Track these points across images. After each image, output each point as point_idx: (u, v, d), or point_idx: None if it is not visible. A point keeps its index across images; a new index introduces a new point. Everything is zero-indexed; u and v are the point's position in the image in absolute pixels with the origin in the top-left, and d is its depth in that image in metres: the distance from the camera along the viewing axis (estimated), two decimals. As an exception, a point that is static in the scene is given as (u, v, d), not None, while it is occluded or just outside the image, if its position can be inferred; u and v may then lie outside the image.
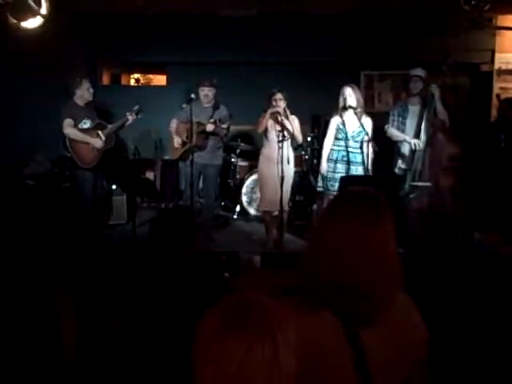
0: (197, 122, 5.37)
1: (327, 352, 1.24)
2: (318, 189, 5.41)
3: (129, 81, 9.49)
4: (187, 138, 5.47)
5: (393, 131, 5.35)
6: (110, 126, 5.48)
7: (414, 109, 5.30)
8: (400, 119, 5.33)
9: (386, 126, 5.41)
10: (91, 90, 5.47)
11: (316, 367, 1.23)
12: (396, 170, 5.35)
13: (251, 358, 0.95)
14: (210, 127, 5.36)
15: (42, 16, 4.45)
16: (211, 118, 5.41)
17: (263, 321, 0.99)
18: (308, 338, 1.21)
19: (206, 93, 5.45)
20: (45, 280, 1.61)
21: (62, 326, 1.58)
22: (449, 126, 5.03)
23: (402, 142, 5.29)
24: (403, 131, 5.29)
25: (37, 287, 1.56)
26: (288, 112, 5.12)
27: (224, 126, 5.46)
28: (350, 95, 4.93)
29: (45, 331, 1.53)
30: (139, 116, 5.53)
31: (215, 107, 5.48)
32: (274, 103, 5.09)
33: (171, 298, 1.83)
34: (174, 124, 5.63)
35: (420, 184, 4.96)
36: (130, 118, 5.47)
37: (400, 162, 5.32)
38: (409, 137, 5.22)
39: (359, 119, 4.90)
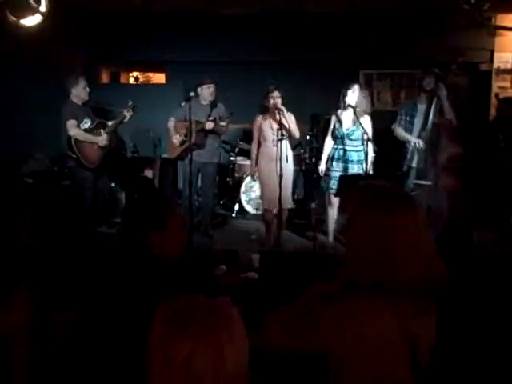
0: (195, 121, 5.37)
1: (386, 343, 1.28)
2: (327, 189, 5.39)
3: (128, 79, 9.47)
4: (186, 136, 5.47)
5: (399, 130, 5.33)
6: (110, 124, 5.48)
7: (422, 108, 5.28)
8: (408, 118, 5.31)
9: (394, 126, 5.39)
10: (87, 89, 5.43)
11: (373, 360, 1.28)
12: (404, 169, 5.34)
13: (196, 357, 0.97)
14: (209, 125, 5.36)
15: (41, 14, 4.45)
16: (209, 116, 5.41)
17: (207, 321, 1.02)
18: (368, 331, 1.27)
19: (211, 91, 5.47)
20: None
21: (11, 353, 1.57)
22: (456, 125, 4.99)
23: (408, 141, 5.28)
24: (411, 130, 5.26)
25: None
26: (284, 110, 5.10)
27: (223, 123, 5.46)
28: (354, 91, 4.94)
29: None
30: (135, 111, 5.52)
31: (213, 105, 5.49)
32: (271, 100, 5.09)
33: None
34: (171, 122, 5.63)
35: (422, 182, 4.96)
36: (128, 114, 5.48)
37: (406, 160, 5.30)
38: (415, 136, 5.20)
39: (357, 118, 4.91)
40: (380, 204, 1.35)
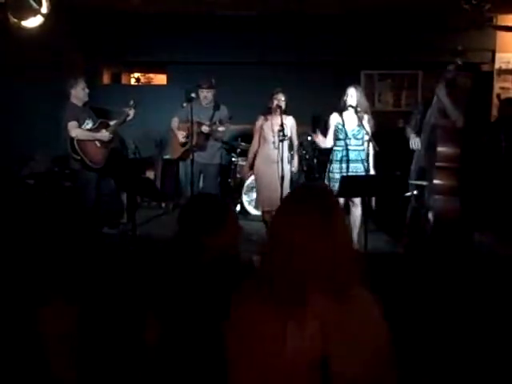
0: (197, 122, 5.37)
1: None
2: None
3: (129, 80, 9.48)
4: (187, 137, 5.48)
5: (407, 130, 5.28)
6: (112, 123, 5.49)
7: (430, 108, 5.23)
8: (419, 117, 5.26)
9: (403, 124, 5.32)
10: (86, 90, 5.42)
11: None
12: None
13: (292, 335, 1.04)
14: (205, 129, 5.35)
15: (43, 15, 4.45)
16: (212, 118, 5.41)
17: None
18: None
19: (205, 94, 5.47)
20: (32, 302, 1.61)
21: (48, 349, 1.58)
22: (461, 126, 4.92)
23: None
24: (421, 129, 5.20)
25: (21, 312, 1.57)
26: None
27: (221, 128, 5.42)
28: (352, 96, 4.93)
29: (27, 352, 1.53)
30: (136, 110, 5.52)
31: (216, 108, 5.48)
32: (275, 102, 5.08)
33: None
34: (175, 123, 5.64)
35: (418, 183, 4.94)
36: (131, 112, 5.47)
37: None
38: (420, 135, 5.15)
39: (359, 118, 4.90)
40: (289, 208, 1.38)
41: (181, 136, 5.55)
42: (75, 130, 5.26)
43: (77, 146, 5.27)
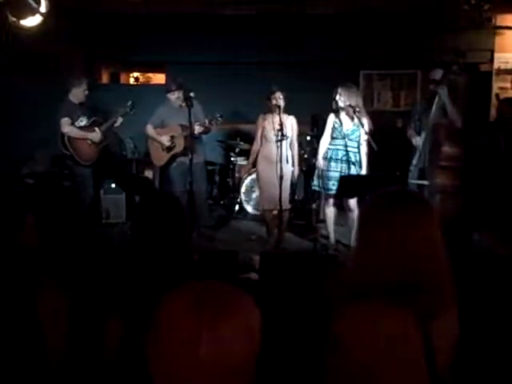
0: (180, 125, 5.33)
1: (400, 343, 1.30)
2: (313, 187, 5.41)
3: (128, 79, 9.48)
4: (173, 142, 5.44)
5: (409, 131, 5.27)
6: (105, 123, 5.55)
7: (428, 108, 5.23)
8: (417, 117, 5.24)
9: (402, 124, 5.32)
10: (86, 92, 5.52)
11: (389, 359, 1.29)
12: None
13: (208, 339, 0.93)
14: (198, 129, 5.29)
15: (41, 14, 4.45)
16: (190, 117, 5.15)
17: (222, 303, 0.98)
18: (384, 332, 1.29)
19: (177, 95, 5.44)
20: (27, 283, 1.63)
21: (45, 328, 1.60)
22: (460, 126, 4.91)
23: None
24: (420, 130, 5.20)
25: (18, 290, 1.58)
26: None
27: (200, 127, 5.36)
28: (341, 95, 4.93)
29: (25, 333, 1.55)
30: (132, 111, 5.55)
31: (190, 105, 5.19)
32: (273, 102, 5.08)
33: None
34: (151, 130, 5.56)
35: (419, 182, 4.94)
36: (118, 120, 5.57)
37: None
38: (420, 135, 5.15)
39: (352, 118, 4.90)
40: (391, 203, 1.39)
41: (165, 140, 5.47)
42: (67, 127, 5.37)
43: (67, 142, 5.38)
